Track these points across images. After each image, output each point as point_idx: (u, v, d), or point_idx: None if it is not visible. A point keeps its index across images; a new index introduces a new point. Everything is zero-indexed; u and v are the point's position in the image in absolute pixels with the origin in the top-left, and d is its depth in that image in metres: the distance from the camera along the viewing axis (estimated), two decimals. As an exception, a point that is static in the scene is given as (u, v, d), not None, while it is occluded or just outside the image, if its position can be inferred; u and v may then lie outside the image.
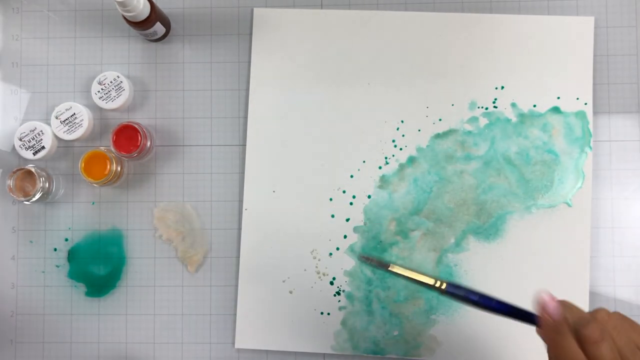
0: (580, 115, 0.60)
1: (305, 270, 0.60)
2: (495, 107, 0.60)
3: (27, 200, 0.58)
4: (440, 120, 0.60)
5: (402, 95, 0.61)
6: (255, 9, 0.62)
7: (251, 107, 0.61)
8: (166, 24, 0.61)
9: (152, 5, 0.57)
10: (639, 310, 0.60)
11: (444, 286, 0.42)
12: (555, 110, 0.60)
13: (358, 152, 0.60)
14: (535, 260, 0.59)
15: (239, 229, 0.61)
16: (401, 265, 0.45)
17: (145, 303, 0.61)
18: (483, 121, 0.60)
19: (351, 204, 0.60)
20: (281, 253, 0.60)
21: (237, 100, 0.62)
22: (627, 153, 0.61)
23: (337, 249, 0.60)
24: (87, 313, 0.61)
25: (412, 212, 0.60)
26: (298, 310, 0.60)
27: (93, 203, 0.62)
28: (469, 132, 0.60)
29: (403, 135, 0.60)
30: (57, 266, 0.61)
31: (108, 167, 0.58)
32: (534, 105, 0.60)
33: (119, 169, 0.60)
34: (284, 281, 0.60)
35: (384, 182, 0.60)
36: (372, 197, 0.60)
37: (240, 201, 0.61)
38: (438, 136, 0.60)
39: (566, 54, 0.60)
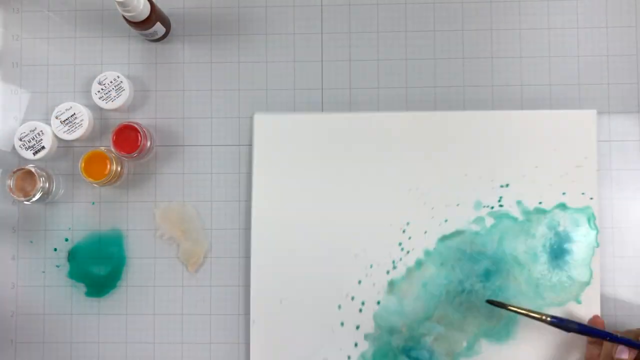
0: (586, 210, 0.59)
1: None
2: (500, 205, 0.60)
3: (27, 200, 0.58)
4: (446, 221, 0.60)
5: (405, 196, 0.60)
6: (255, 115, 0.61)
7: (254, 216, 0.60)
8: (166, 24, 0.61)
9: (152, 5, 0.57)
10: (639, 310, 0.60)
11: (548, 319, 0.55)
12: (562, 206, 0.59)
13: (365, 257, 0.59)
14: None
15: (239, 229, 0.61)
16: (515, 306, 0.56)
17: (145, 303, 0.61)
18: (489, 221, 0.60)
19: (360, 310, 0.59)
20: None
21: (237, 100, 0.62)
22: (627, 153, 0.61)
23: (349, 357, 0.59)
24: (87, 313, 0.61)
25: (423, 318, 0.59)
26: None
27: (93, 203, 0.62)
28: (476, 232, 0.59)
29: (409, 238, 0.60)
30: (57, 266, 0.61)
31: (108, 167, 0.58)
32: (540, 203, 0.59)
33: (119, 169, 0.60)
34: None
35: (392, 287, 0.59)
36: (381, 302, 0.59)
37: (241, 201, 0.61)
38: (445, 238, 0.60)
39: (569, 147, 0.60)
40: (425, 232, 0.60)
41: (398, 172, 0.60)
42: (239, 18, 0.63)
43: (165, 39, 0.62)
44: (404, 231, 0.60)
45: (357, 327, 0.59)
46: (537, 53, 0.61)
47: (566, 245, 0.59)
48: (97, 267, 0.61)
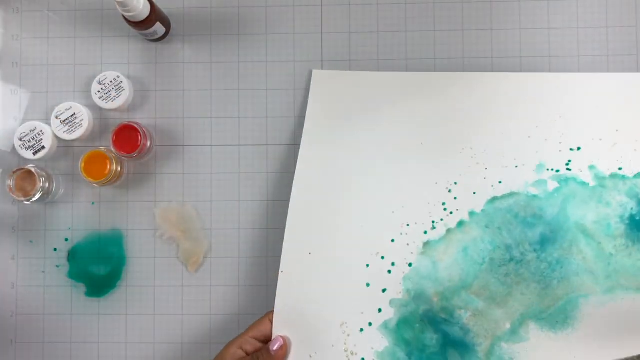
0: None
1: (332, 346, 0.53)
2: (568, 169, 0.53)
3: (27, 200, 0.58)
4: (500, 182, 0.53)
5: (457, 155, 0.55)
6: (314, 71, 0.60)
7: (300, 165, 0.57)
8: (166, 24, 0.61)
9: (152, 5, 0.57)
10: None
11: None
12: None
13: (403, 214, 0.54)
14: None
15: (239, 229, 0.61)
16: None
17: (145, 303, 0.61)
18: (552, 184, 0.52)
19: (389, 272, 0.54)
20: (310, 324, 0.54)
21: (237, 100, 0.62)
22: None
23: (370, 324, 0.53)
24: (87, 313, 0.61)
25: (459, 287, 0.52)
26: None
27: (93, 203, 0.62)
28: (534, 195, 0.52)
29: (455, 198, 0.54)
30: (57, 266, 0.61)
31: (108, 167, 0.58)
32: (620, 169, 0.52)
33: (119, 169, 0.60)
34: (310, 356, 0.54)
35: (428, 249, 0.53)
36: (413, 265, 0.53)
37: (241, 201, 0.61)
38: (495, 200, 0.53)
39: None
40: (474, 193, 0.54)
41: (452, 131, 0.56)
42: (239, 18, 0.63)
43: (165, 39, 0.62)
44: (449, 190, 0.54)
45: (384, 291, 0.53)
46: (537, 53, 0.61)
47: None
48: (97, 267, 0.61)
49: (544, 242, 0.50)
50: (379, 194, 0.55)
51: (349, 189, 0.56)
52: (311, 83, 0.60)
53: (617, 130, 0.53)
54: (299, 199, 0.56)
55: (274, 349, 0.53)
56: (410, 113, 0.57)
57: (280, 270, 0.56)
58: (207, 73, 0.62)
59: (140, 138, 0.58)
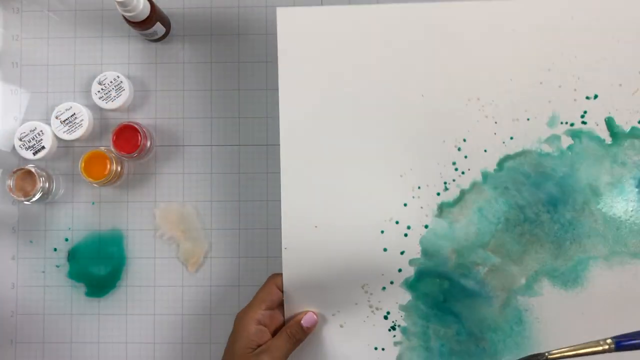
0: None
1: (356, 304, 0.53)
2: (583, 122, 0.49)
3: (27, 200, 0.58)
4: (511, 138, 0.50)
5: (463, 107, 0.50)
6: (278, 10, 0.52)
7: (282, 128, 0.52)
8: (166, 24, 0.61)
9: (152, 5, 0.57)
10: (639, 310, 0.60)
11: (613, 345, 0.39)
12: None
13: (412, 177, 0.51)
14: (625, 324, 0.46)
15: (239, 229, 0.61)
16: (558, 349, 0.39)
17: (145, 303, 0.61)
18: (566, 141, 0.49)
19: (405, 235, 0.52)
20: (329, 289, 0.53)
21: (237, 100, 0.62)
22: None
23: (392, 282, 0.53)
24: (87, 313, 0.61)
25: (476, 245, 0.51)
26: (350, 345, 0.54)
27: (93, 203, 0.62)
28: (547, 154, 0.49)
29: (465, 157, 0.51)
30: (57, 266, 0.61)
31: (108, 167, 0.58)
32: (639, 122, 0.48)
33: (119, 169, 0.60)
34: (333, 315, 0.54)
35: (442, 210, 0.52)
36: (429, 226, 0.52)
37: (241, 201, 0.61)
38: (508, 158, 0.50)
39: None
40: (485, 151, 0.50)
41: (454, 78, 0.50)
42: (239, 18, 0.63)
43: (165, 39, 0.62)
44: (459, 149, 0.51)
45: (402, 253, 0.52)
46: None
47: None
48: (97, 267, 0.61)
49: (557, 203, 0.49)
50: (382, 157, 0.52)
51: (346, 155, 0.52)
52: (277, 26, 0.52)
53: (639, 72, 0.48)
54: (290, 169, 0.52)
55: (308, 326, 0.52)
56: (402, 57, 0.51)
57: (283, 247, 0.53)
58: (207, 73, 0.62)
59: (140, 138, 0.58)
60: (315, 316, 0.54)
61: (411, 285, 0.53)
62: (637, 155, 0.48)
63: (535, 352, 0.42)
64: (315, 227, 0.53)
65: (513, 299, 0.51)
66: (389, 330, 0.53)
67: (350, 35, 0.51)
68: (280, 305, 0.55)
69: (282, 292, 0.54)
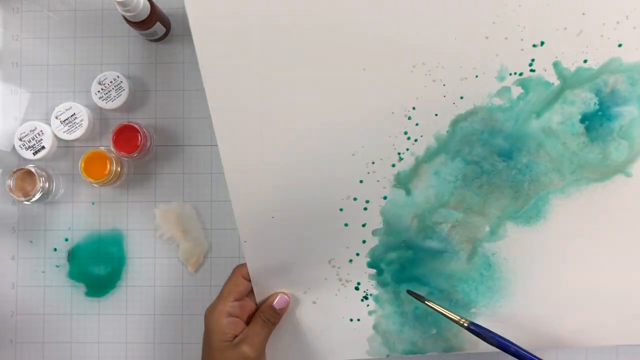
0: None
1: (326, 279, 0.54)
2: (532, 70, 0.49)
3: (27, 200, 0.58)
4: (461, 98, 0.49)
5: (409, 75, 0.49)
6: None
7: (215, 122, 0.50)
8: (166, 24, 0.61)
9: (152, 5, 0.57)
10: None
11: (466, 324, 0.49)
12: (614, 62, 0.48)
13: (364, 153, 0.51)
14: (585, 244, 0.51)
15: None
16: (434, 302, 0.51)
17: (145, 303, 0.61)
18: (516, 91, 0.49)
19: (365, 209, 0.52)
20: (296, 269, 0.54)
21: (237, 100, 0.62)
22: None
23: (357, 254, 0.54)
24: (87, 313, 0.61)
25: (436, 206, 0.52)
26: (325, 320, 0.55)
27: (93, 203, 0.62)
28: (499, 106, 0.50)
29: (417, 124, 0.50)
30: (57, 266, 0.61)
31: (108, 167, 0.58)
32: (585, 61, 0.49)
33: (119, 169, 0.60)
34: (305, 292, 0.55)
35: (399, 180, 0.52)
36: (388, 197, 0.52)
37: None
38: (460, 118, 0.50)
39: None
40: (436, 115, 0.50)
41: (396, 44, 0.49)
42: (239, 18, 0.63)
43: (165, 39, 0.62)
44: (409, 118, 0.50)
45: (364, 225, 0.53)
46: None
47: (615, 109, 0.49)
48: (97, 267, 0.61)
49: (512, 151, 0.51)
50: (331, 139, 0.50)
51: (293, 141, 0.50)
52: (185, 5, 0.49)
53: (583, 14, 0.48)
54: (235, 166, 0.51)
55: (281, 307, 0.53)
56: (339, 31, 0.49)
57: (242, 241, 0.53)
58: (207, 73, 0.62)
59: (140, 138, 0.58)
60: (286, 296, 0.54)
61: (377, 254, 0.54)
62: (583, 92, 0.49)
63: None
64: (272, 217, 0.52)
65: (479, 247, 0.52)
66: (362, 300, 0.55)
67: (280, 12, 0.48)
68: (249, 294, 0.54)
69: (249, 281, 0.54)
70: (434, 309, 0.50)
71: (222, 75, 0.50)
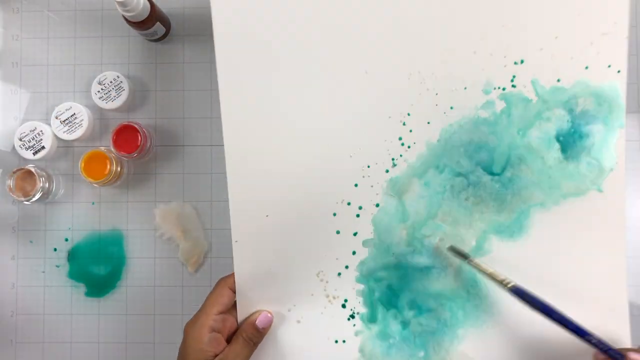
0: (611, 87, 0.52)
1: (312, 295, 0.53)
2: (513, 86, 0.52)
3: (27, 200, 0.58)
4: (451, 108, 0.52)
5: (405, 83, 0.52)
6: None
7: (224, 117, 0.52)
8: (166, 24, 0.61)
9: (152, 5, 0.57)
10: (638, 311, 0.60)
11: (510, 285, 0.49)
12: (582, 83, 0.52)
13: (362, 156, 0.52)
14: (566, 257, 0.53)
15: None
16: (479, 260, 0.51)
17: (145, 303, 0.61)
18: (500, 105, 0.52)
19: (358, 215, 0.53)
20: (283, 280, 0.53)
21: (237, 100, 0.62)
22: (627, 153, 0.61)
23: (347, 267, 0.53)
24: (87, 313, 0.61)
25: (426, 217, 0.53)
26: (309, 341, 0.53)
27: (93, 203, 0.62)
28: (484, 119, 0.52)
29: (410, 131, 0.52)
30: (57, 266, 0.61)
31: (108, 167, 0.58)
32: (558, 80, 0.52)
33: (119, 169, 0.60)
34: (289, 310, 0.53)
35: (392, 186, 0.53)
36: (380, 205, 0.53)
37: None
38: (450, 127, 0.52)
39: (596, 11, 0.51)
40: (429, 123, 0.52)
41: (395, 52, 0.52)
42: (239, 18, 0.63)
43: (165, 39, 0.62)
44: (404, 123, 0.52)
45: (355, 234, 0.53)
46: None
47: (586, 128, 0.52)
48: (97, 267, 0.61)
49: (496, 164, 0.53)
50: (331, 138, 0.52)
51: (294, 139, 0.52)
52: (213, 13, 0.53)
53: (556, 38, 0.52)
54: (237, 160, 0.52)
55: (263, 326, 0.51)
56: (343, 34, 0.52)
57: (234, 240, 0.53)
58: (207, 73, 0.62)
59: (140, 138, 0.58)
60: (269, 315, 0.52)
61: (366, 269, 0.53)
62: (558, 110, 0.52)
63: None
64: (267, 216, 0.52)
65: (465, 263, 0.53)
66: (348, 319, 0.54)
67: (289, 14, 0.52)
68: (232, 310, 0.53)
69: (234, 292, 0.53)
70: (478, 268, 0.50)
71: (235, 75, 0.52)
